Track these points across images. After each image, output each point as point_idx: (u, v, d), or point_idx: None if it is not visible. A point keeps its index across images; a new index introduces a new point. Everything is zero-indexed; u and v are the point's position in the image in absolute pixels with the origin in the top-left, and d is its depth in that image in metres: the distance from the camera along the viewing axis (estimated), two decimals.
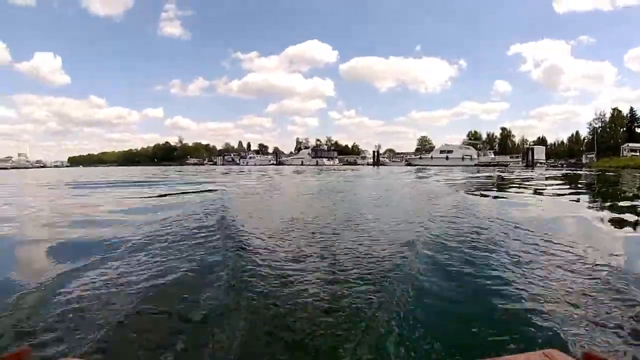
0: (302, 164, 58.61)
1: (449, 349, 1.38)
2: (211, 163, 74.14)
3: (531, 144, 59.38)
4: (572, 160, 52.62)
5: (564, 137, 67.09)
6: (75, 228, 3.89)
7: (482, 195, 7.47)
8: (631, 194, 8.00)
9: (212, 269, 2.24)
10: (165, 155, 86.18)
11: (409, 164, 51.85)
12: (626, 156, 46.49)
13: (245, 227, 3.59)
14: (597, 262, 2.37)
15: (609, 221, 4.22)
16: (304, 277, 2.04)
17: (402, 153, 70.19)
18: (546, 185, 10.04)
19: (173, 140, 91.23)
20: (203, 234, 3.24)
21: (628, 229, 3.87)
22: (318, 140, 78.61)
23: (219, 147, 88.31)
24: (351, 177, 15.95)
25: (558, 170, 30.30)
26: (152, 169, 32.03)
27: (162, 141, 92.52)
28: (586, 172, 23.22)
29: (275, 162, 66.77)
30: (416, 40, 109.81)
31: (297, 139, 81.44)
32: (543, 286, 1.95)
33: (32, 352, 0.93)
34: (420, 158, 56.59)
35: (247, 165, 60.52)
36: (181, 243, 2.94)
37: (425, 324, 1.55)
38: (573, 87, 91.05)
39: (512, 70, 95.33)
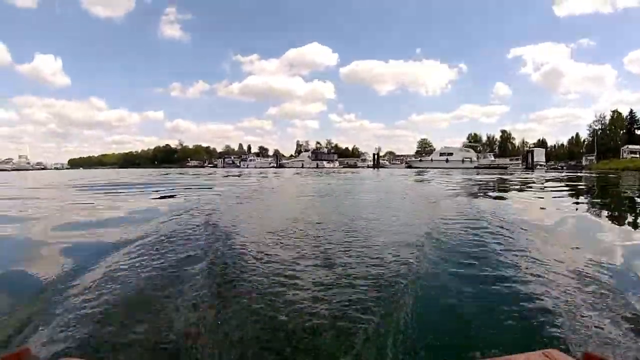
0: (302, 167, 58.61)
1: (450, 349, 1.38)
2: (211, 165, 74.14)
3: (531, 146, 59.47)
4: (572, 163, 52.65)
5: (564, 139, 67.35)
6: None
7: (485, 196, 7.40)
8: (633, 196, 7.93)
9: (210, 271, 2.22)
10: (166, 157, 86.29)
11: (409, 166, 51.90)
12: (626, 158, 46.53)
13: (243, 229, 3.58)
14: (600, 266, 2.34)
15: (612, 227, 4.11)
16: (300, 283, 1.98)
17: (402, 155, 70.34)
18: (546, 188, 9.97)
19: (173, 143, 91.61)
20: (203, 235, 3.23)
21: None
22: (318, 143, 78.94)
23: (219, 150, 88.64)
24: (351, 179, 15.96)
25: (558, 172, 30.28)
26: (153, 171, 31.79)
27: (162, 144, 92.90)
28: (586, 174, 23.21)
29: (275, 165, 66.77)
30: (416, 43, 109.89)
31: (298, 141, 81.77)
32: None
33: (32, 352, 0.91)
34: (420, 160, 56.59)
35: (247, 167, 60.52)
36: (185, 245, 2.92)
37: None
38: (573, 90, 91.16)
39: (512, 73, 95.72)
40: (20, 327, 1.55)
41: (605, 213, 5.16)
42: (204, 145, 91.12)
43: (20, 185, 13.49)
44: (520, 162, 51.05)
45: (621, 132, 54.06)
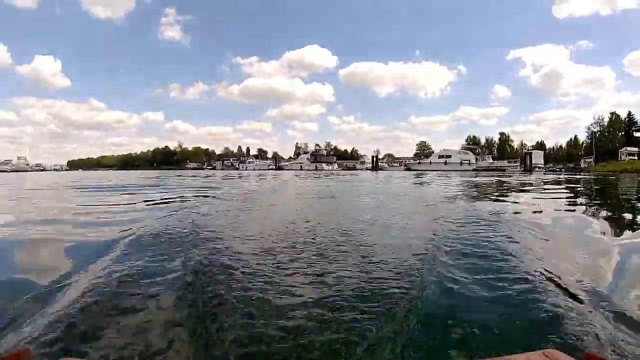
0: (301, 169, 58.66)
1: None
2: (210, 168, 74.12)
3: (530, 148, 59.65)
4: (571, 165, 52.80)
5: (562, 141, 67.55)
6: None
7: (486, 199, 7.39)
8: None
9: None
10: (165, 159, 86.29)
11: (408, 169, 51.99)
12: (624, 160, 46.70)
13: (238, 231, 3.56)
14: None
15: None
16: (292, 292, 1.88)
17: (401, 158, 70.50)
18: (546, 190, 9.99)
19: (172, 145, 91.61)
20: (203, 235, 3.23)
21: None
22: (317, 145, 79.05)
23: (218, 152, 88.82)
24: (350, 181, 15.97)
25: (556, 174, 30.34)
26: (152, 173, 31.63)
27: (161, 145, 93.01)
28: (584, 177, 23.22)
29: (274, 167, 66.78)
30: (415, 45, 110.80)
31: (297, 143, 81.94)
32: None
33: (32, 352, 0.95)
34: (419, 163, 56.66)
35: (246, 170, 60.55)
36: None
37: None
38: (572, 92, 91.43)
39: (511, 75, 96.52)
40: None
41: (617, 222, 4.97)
42: (203, 147, 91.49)
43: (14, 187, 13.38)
44: (518, 164, 51.16)
45: (619, 134, 54.24)
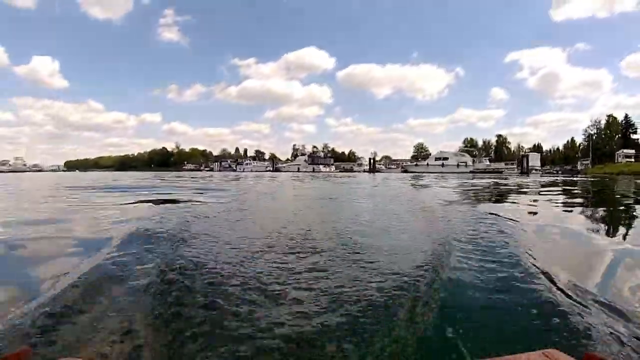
0: (298, 171, 58.75)
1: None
2: (208, 169, 74.00)
3: (527, 150, 59.76)
4: (568, 167, 52.92)
5: (560, 144, 67.64)
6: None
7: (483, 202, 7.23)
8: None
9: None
10: (162, 160, 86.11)
11: (405, 171, 52.06)
12: (621, 162, 46.87)
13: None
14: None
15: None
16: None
17: (398, 160, 70.52)
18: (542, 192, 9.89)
19: (170, 146, 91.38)
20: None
21: None
22: (315, 147, 78.91)
23: (215, 153, 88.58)
24: (346, 184, 15.89)
25: (553, 177, 30.35)
26: (149, 175, 31.28)
27: (158, 146, 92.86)
28: (581, 179, 23.23)
29: (271, 169, 66.76)
30: (413, 47, 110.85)
31: (294, 145, 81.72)
32: None
33: (32, 352, 0.96)
34: (416, 165, 56.79)
35: (243, 171, 60.39)
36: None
37: None
38: (570, 95, 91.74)
39: (508, 77, 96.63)
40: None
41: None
42: (201, 148, 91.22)
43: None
44: (515, 166, 51.25)
45: (616, 136, 54.40)
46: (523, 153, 56.46)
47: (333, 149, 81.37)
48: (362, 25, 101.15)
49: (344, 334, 1.45)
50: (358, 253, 2.57)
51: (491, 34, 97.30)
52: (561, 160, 60.77)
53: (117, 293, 1.85)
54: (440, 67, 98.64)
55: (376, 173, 48.05)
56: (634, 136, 53.86)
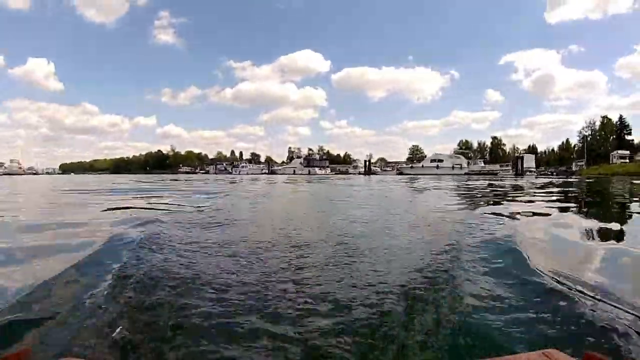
0: (294, 173, 58.73)
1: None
2: (203, 172, 73.81)
3: (522, 152, 59.84)
4: (562, 168, 52.98)
5: (554, 145, 67.66)
6: None
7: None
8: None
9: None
10: (157, 163, 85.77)
11: (400, 173, 52.05)
12: (615, 163, 46.95)
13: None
14: None
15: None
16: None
17: (393, 162, 70.46)
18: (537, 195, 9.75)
19: (165, 149, 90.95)
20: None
21: None
22: (310, 149, 78.65)
23: (211, 156, 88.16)
24: (341, 186, 15.85)
25: (548, 178, 30.32)
26: (145, 177, 31.00)
27: (154, 149, 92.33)
28: (574, 180, 23.25)
29: (267, 171, 66.66)
30: (408, 50, 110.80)
31: (289, 148, 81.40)
32: None
33: (32, 352, 0.96)
34: (412, 167, 56.83)
35: (239, 174, 60.25)
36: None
37: None
38: (564, 96, 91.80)
39: (503, 79, 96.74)
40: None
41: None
42: (196, 151, 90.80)
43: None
44: (510, 168, 51.31)
45: (611, 137, 54.48)
46: (518, 155, 56.54)
47: (328, 152, 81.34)
48: (358, 28, 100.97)
49: None
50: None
51: (486, 36, 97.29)
52: (556, 161, 60.79)
53: None
54: (435, 70, 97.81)
55: (371, 175, 47.99)
56: (628, 137, 53.96)
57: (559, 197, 9.12)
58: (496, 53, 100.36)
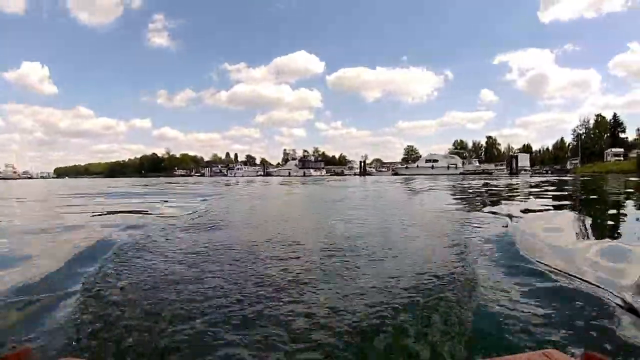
0: (289, 175, 58.61)
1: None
2: (199, 174, 73.50)
3: (516, 151, 59.93)
4: (557, 167, 53.15)
5: (549, 144, 67.84)
6: None
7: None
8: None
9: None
10: (152, 166, 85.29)
11: (396, 174, 52.07)
12: (610, 161, 47.11)
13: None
14: None
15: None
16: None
17: (389, 163, 70.62)
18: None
19: (160, 152, 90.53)
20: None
21: None
22: (305, 151, 78.58)
23: (206, 158, 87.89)
24: (336, 187, 15.85)
25: (542, 176, 30.30)
26: (143, 181, 30.71)
27: (149, 152, 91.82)
28: (570, 178, 23.35)
29: (262, 173, 66.62)
30: (402, 50, 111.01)
31: (285, 150, 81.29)
32: None
33: (32, 352, 0.96)
34: (407, 168, 56.84)
35: (234, 176, 60.12)
36: None
37: None
38: (558, 95, 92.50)
39: (498, 79, 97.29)
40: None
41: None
42: (191, 154, 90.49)
43: None
44: (505, 167, 51.38)
45: (605, 136, 54.66)
46: (512, 154, 56.66)
47: (323, 153, 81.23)
48: (352, 29, 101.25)
49: None
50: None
51: (480, 37, 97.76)
52: (551, 160, 60.96)
53: None
54: (430, 70, 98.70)
55: (367, 176, 47.93)
56: (622, 135, 54.21)
57: (554, 195, 9.11)
58: (490, 53, 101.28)
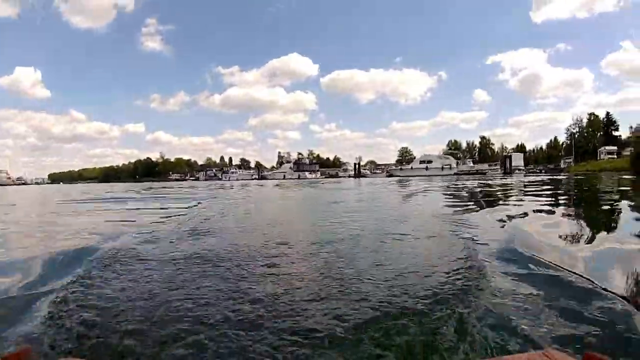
0: (284, 178, 58.46)
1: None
2: (193, 179, 73.17)
3: (510, 151, 60.01)
4: (551, 166, 53.19)
5: (543, 143, 67.96)
6: None
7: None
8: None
9: None
10: (147, 171, 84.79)
11: (390, 175, 52.06)
12: (603, 159, 47.19)
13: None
14: None
15: None
16: None
17: (383, 164, 70.67)
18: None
19: (154, 156, 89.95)
20: None
21: None
22: (300, 153, 78.36)
23: (200, 162, 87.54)
24: (331, 190, 15.73)
25: (536, 176, 30.24)
26: (137, 186, 30.36)
27: (143, 156, 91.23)
28: (564, 177, 23.51)
29: (257, 177, 66.35)
30: (396, 52, 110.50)
31: (279, 152, 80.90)
32: None
33: (32, 352, 0.96)
34: (401, 169, 56.78)
35: (229, 180, 59.83)
36: None
37: None
38: (551, 95, 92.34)
39: (490, 79, 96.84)
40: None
41: None
42: (185, 158, 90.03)
43: None
44: (499, 167, 51.36)
45: (598, 134, 54.80)
46: (506, 154, 56.69)
47: (318, 155, 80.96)
48: (346, 31, 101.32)
49: None
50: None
51: (473, 38, 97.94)
52: (544, 159, 61.10)
53: None
54: (423, 71, 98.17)
55: (361, 178, 47.80)
56: (615, 133, 54.27)
57: (549, 194, 9.17)
58: (483, 53, 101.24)
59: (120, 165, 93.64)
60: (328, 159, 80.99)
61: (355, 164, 62.43)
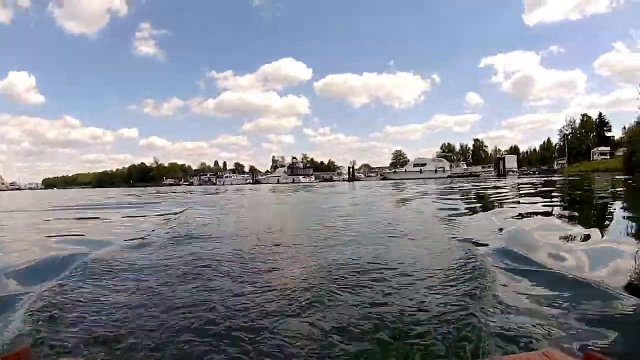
0: (278, 182, 58.40)
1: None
2: (187, 184, 72.80)
3: (504, 153, 60.24)
4: (545, 167, 53.32)
5: (536, 145, 68.21)
6: None
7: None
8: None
9: None
10: (141, 176, 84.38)
11: (384, 179, 52.03)
12: (596, 160, 47.28)
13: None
14: None
15: None
16: None
17: (377, 168, 70.85)
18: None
19: (148, 161, 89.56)
20: None
21: None
22: (294, 158, 78.41)
23: (194, 167, 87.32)
24: (325, 194, 15.73)
25: (530, 178, 30.22)
26: (131, 191, 29.98)
27: (137, 162, 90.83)
28: (558, 179, 23.55)
29: (252, 181, 66.20)
30: (390, 56, 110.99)
31: (273, 157, 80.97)
32: None
33: (32, 352, 0.98)
34: (395, 172, 56.83)
35: (224, 185, 59.52)
36: None
37: None
38: (545, 96, 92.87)
39: (484, 82, 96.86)
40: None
41: None
42: (180, 163, 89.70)
43: None
44: (492, 169, 51.36)
45: (591, 135, 55.04)
46: (500, 156, 56.76)
47: (312, 159, 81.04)
48: (339, 35, 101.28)
49: None
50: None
51: (466, 41, 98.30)
52: (538, 161, 61.33)
53: None
54: (417, 75, 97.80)
55: (356, 182, 47.64)
56: (608, 134, 54.51)
57: (543, 196, 9.18)
58: (476, 56, 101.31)
59: (115, 170, 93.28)
60: (322, 163, 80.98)
61: (349, 168, 62.28)
